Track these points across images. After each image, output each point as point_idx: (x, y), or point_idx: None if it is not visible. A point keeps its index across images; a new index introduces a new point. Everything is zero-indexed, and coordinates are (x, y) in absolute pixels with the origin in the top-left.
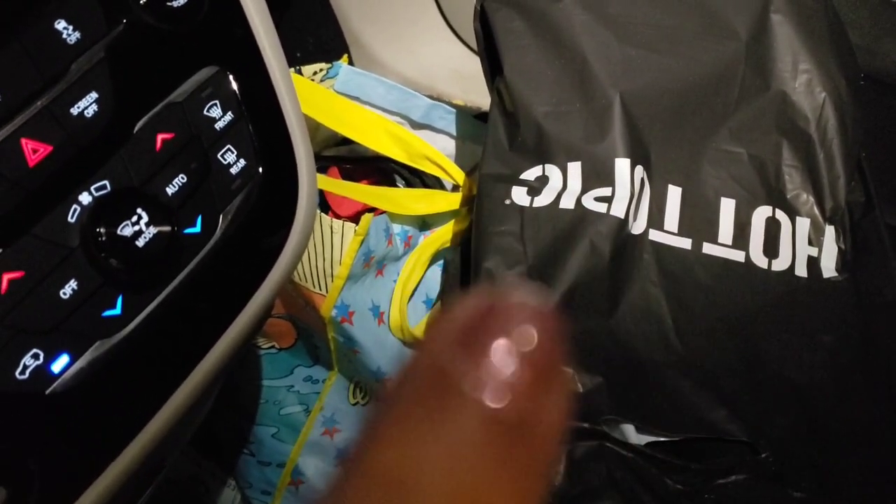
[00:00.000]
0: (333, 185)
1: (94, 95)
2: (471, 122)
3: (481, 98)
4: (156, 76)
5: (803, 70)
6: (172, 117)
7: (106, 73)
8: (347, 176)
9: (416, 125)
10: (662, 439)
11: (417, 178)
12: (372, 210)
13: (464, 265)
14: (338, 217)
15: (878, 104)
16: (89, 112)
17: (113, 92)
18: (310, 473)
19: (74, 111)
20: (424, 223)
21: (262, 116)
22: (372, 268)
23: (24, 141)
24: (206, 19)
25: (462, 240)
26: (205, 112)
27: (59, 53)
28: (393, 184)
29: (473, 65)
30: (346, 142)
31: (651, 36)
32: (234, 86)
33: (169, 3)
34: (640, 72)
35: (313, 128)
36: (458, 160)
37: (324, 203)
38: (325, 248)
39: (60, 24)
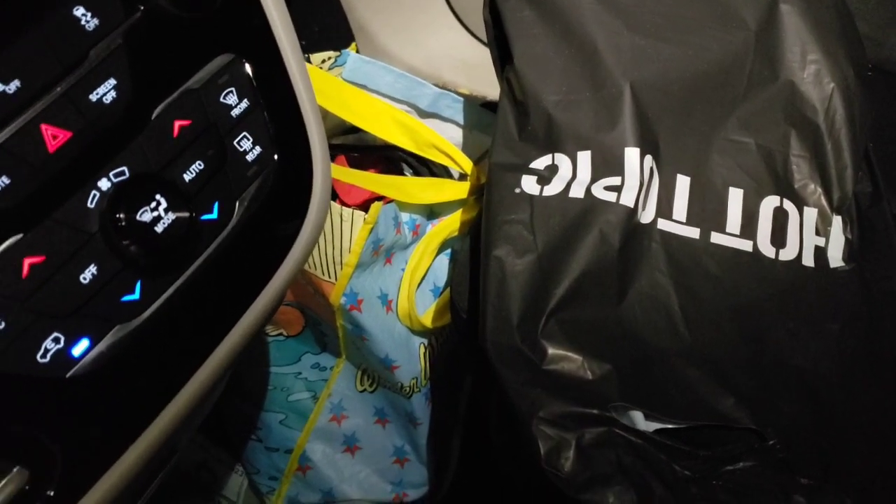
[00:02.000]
0: (342, 173)
1: (112, 82)
2: (478, 112)
3: (486, 87)
4: (173, 63)
5: (812, 60)
6: (189, 104)
7: (124, 60)
8: (355, 164)
9: (424, 114)
10: (671, 426)
11: (425, 167)
12: (380, 198)
13: (473, 254)
14: (346, 205)
15: (886, 95)
16: (108, 98)
17: (131, 78)
18: (317, 459)
19: (93, 97)
20: (432, 212)
21: (277, 104)
22: (381, 256)
23: (44, 127)
24: (223, 7)
25: (470, 228)
26: (221, 99)
27: (78, 40)
28: (400, 172)
29: (478, 54)
30: (353, 130)
31: (661, 25)
32: (250, 73)
33: None
34: (650, 61)
35: (321, 116)
36: (466, 149)
37: (332, 191)
38: (335, 236)
39: (79, 11)
